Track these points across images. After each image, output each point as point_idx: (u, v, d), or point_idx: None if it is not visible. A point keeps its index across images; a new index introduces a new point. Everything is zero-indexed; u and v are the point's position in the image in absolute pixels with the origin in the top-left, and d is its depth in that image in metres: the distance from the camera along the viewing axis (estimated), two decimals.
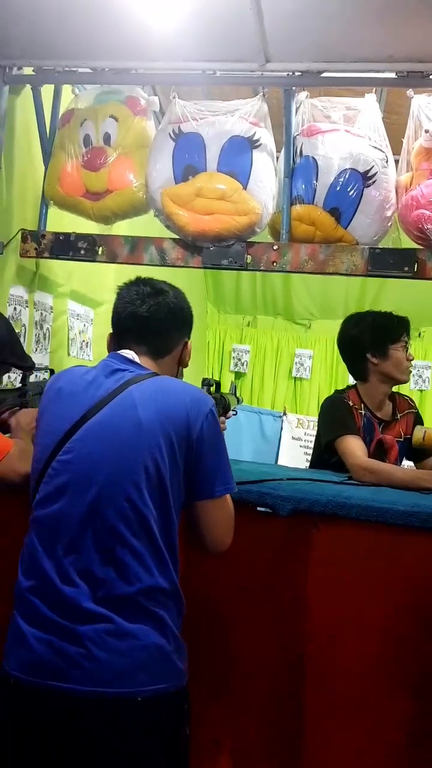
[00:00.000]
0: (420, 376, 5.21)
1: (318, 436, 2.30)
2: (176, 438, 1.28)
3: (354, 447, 2.04)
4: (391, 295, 4.81)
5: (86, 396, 1.34)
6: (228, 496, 1.40)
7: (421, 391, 5.25)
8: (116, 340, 1.47)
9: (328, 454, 2.16)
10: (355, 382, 2.32)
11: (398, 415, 2.29)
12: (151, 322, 1.43)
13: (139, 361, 1.41)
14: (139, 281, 1.48)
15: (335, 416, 2.17)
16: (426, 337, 5.30)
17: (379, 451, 2.16)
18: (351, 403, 2.19)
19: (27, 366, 1.79)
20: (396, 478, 1.94)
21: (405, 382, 2.29)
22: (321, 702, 1.69)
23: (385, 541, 1.65)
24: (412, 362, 2.24)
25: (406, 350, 2.22)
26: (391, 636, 1.65)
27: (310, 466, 2.44)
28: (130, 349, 1.43)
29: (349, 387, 2.34)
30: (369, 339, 2.19)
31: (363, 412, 2.20)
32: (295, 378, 5.53)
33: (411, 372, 2.29)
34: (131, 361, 1.41)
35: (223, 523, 1.40)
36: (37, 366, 2.57)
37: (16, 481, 1.44)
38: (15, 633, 1.27)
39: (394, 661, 1.65)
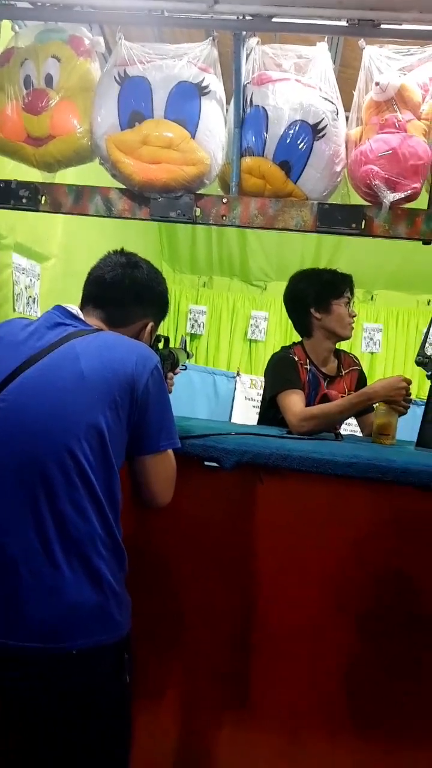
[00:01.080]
0: (371, 339, 5.29)
1: (264, 392, 2.32)
2: (119, 392, 1.27)
3: (294, 401, 2.09)
4: (346, 257, 4.85)
5: (26, 346, 1.33)
6: (170, 451, 1.42)
7: (372, 353, 5.34)
8: (81, 303, 1.48)
9: (273, 410, 2.18)
10: (300, 339, 2.35)
11: (343, 372, 2.34)
12: (111, 289, 1.45)
13: (83, 318, 1.41)
14: (119, 252, 1.52)
15: (279, 372, 2.23)
16: (378, 300, 5.37)
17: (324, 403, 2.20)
18: (296, 359, 2.23)
19: None
20: (333, 412, 2.01)
21: (348, 337, 2.35)
22: (266, 648, 1.74)
23: (325, 492, 1.69)
24: (354, 318, 2.30)
25: (349, 306, 2.27)
26: (334, 581, 1.70)
27: (258, 423, 2.46)
28: (88, 313, 1.43)
29: (294, 344, 2.38)
30: (313, 294, 2.27)
31: (308, 367, 2.25)
32: (250, 340, 5.55)
33: (353, 328, 2.34)
34: (75, 317, 1.41)
35: (165, 478, 1.42)
36: None
37: None
38: None
39: (336, 604, 1.70)
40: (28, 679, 1.22)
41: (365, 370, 2.62)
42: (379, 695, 1.70)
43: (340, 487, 1.67)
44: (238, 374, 4.94)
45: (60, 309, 1.42)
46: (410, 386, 2.04)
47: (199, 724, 1.80)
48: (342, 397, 2.27)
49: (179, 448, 1.45)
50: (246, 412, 4.63)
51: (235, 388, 4.79)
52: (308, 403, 2.22)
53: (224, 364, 5.45)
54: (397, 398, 2.00)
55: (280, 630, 1.74)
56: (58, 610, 1.21)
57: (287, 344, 2.47)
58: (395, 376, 2.07)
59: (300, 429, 2.03)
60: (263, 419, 2.37)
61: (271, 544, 1.74)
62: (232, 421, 4.60)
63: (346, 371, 2.39)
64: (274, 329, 5.47)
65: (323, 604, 1.72)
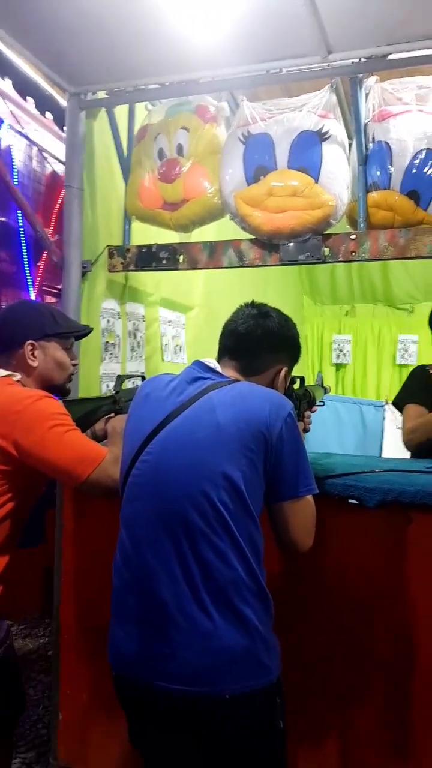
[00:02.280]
0: None
1: None
2: (254, 441, 1.31)
3: (408, 415, 2.21)
4: None
5: (169, 401, 1.41)
6: (310, 497, 1.41)
7: None
8: (217, 355, 1.54)
9: None
10: None
11: None
12: (244, 340, 1.49)
13: (220, 370, 1.46)
14: (250, 304, 1.56)
15: (407, 384, 2.34)
16: None
17: None
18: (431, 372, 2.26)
19: (76, 331, 1.74)
20: (428, 418, 2.09)
21: None
22: (424, 691, 1.67)
23: None
24: None
25: None
26: None
27: None
28: (225, 365, 1.49)
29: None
30: None
31: None
32: (399, 365, 5.37)
33: None
34: (212, 370, 1.46)
35: (305, 524, 1.41)
36: (132, 374, 2.72)
37: (112, 486, 1.51)
38: (112, 630, 1.36)
39: None
40: (182, 719, 1.27)
41: None
42: None
43: None
44: (386, 402, 4.79)
45: (198, 364, 1.50)
46: None
47: None
48: None
49: (316, 493, 1.45)
50: (397, 442, 4.42)
51: (384, 417, 4.65)
52: None
53: (373, 393, 5.32)
54: None
55: None
56: (211, 655, 1.24)
57: None
58: None
59: (408, 443, 2.17)
60: None
61: (421, 585, 1.67)
62: (384, 451, 4.45)
63: None
64: (425, 352, 5.26)
65: None
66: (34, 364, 1.60)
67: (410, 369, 5.23)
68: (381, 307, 5.51)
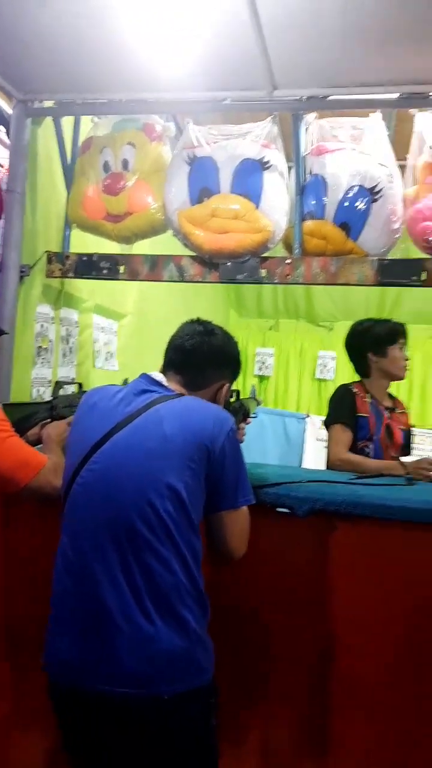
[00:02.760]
0: None
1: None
2: (198, 453, 1.38)
3: (338, 439, 2.37)
4: (413, 296, 4.88)
5: (117, 411, 1.45)
6: (245, 507, 1.49)
7: None
8: (162, 368, 1.59)
9: None
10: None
11: (397, 410, 2.58)
12: (190, 356, 1.55)
13: (167, 384, 1.52)
14: (196, 321, 1.62)
15: (337, 405, 2.48)
16: None
17: (388, 433, 2.47)
18: (356, 392, 2.46)
19: None
20: (366, 468, 2.23)
21: (402, 378, 2.59)
22: (343, 696, 1.78)
23: (399, 537, 1.74)
24: (407, 361, 2.54)
25: (402, 351, 2.50)
26: (410, 628, 1.74)
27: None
28: (170, 379, 1.55)
29: (355, 381, 2.59)
30: (371, 341, 2.48)
31: (369, 400, 2.47)
32: (318, 380, 5.60)
33: (407, 369, 2.58)
34: (159, 383, 1.52)
35: (240, 533, 1.49)
36: (62, 379, 2.72)
37: (51, 493, 1.54)
38: (50, 635, 1.38)
39: (413, 651, 1.74)
40: (120, 721, 1.31)
41: None
42: None
43: (414, 533, 1.72)
44: (307, 415, 5.00)
45: (146, 377, 1.55)
46: None
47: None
48: (401, 429, 2.54)
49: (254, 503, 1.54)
50: (317, 453, 4.66)
51: (305, 430, 4.85)
52: (372, 431, 2.45)
53: (293, 405, 5.53)
54: (421, 477, 2.16)
55: (357, 678, 1.77)
56: (152, 658, 1.29)
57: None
58: (425, 459, 2.28)
59: (333, 466, 2.30)
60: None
61: (346, 589, 1.79)
62: (304, 462, 4.64)
63: (400, 410, 2.63)
64: (343, 368, 5.52)
65: (400, 651, 1.75)
66: None
67: (328, 384, 5.54)
68: (303, 323, 5.74)
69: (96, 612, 1.32)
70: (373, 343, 2.50)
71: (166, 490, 1.35)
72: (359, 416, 2.43)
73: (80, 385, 2.14)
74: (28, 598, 1.79)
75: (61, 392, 2.00)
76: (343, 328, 2.81)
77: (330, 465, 2.35)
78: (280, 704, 1.83)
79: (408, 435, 2.59)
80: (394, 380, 2.59)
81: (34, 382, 2.63)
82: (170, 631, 1.31)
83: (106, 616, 1.31)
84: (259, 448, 4.52)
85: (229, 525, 1.46)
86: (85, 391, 1.98)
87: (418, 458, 2.30)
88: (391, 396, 2.65)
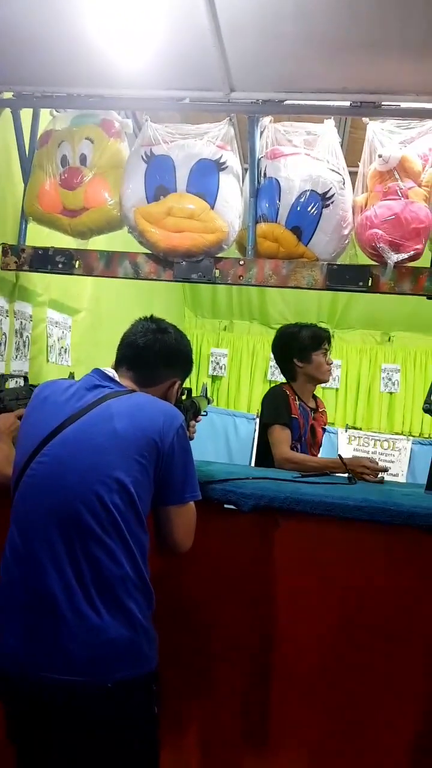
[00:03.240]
0: (389, 379, 5.41)
1: (260, 419, 2.72)
2: (147, 448, 1.41)
3: (281, 438, 2.46)
4: (364, 299, 5.02)
5: (68, 405, 1.47)
6: (192, 502, 1.53)
7: (391, 393, 5.45)
8: (114, 364, 1.61)
9: (265, 436, 2.54)
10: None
11: (319, 409, 2.75)
12: (143, 352, 1.58)
13: (118, 380, 1.54)
14: (149, 318, 1.65)
15: (275, 405, 2.57)
16: (395, 341, 5.50)
17: (312, 433, 2.66)
18: (288, 393, 2.59)
19: None
20: (309, 466, 2.35)
21: (326, 381, 2.75)
22: (284, 685, 1.84)
23: (338, 534, 1.81)
24: (330, 365, 2.68)
25: (326, 356, 2.64)
26: (346, 620, 1.81)
27: (257, 448, 2.75)
28: (122, 375, 1.57)
29: (283, 383, 2.72)
30: (296, 348, 2.62)
31: (298, 402, 2.60)
32: (270, 381, 5.68)
33: (330, 373, 2.73)
34: (111, 378, 1.54)
35: (187, 527, 1.53)
36: (15, 373, 2.71)
37: (3, 483, 1.55)
38: None
39: (350, 641, 1.81)
40: (66, 709, 1.33)
41: (386, 409, 2.83)
42: (397, 729, 1.78)
43: (352, 530, 1.79)
44: (257, 416, 5.08)
45: (98, 372, 1.57)
46: (376, 465, 2.31)
47: (220, 757, 1.89)
48: (323, 429, 2.76)
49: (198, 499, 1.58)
50: None
51: (255, 429, 4.93)
52: (301, 432, 2.58)
53: (245, 406, 5.60)
54: (363, 475, 2.26)
55: (297, 667, 1.84)
56: (97, 646, 1.32)
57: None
58: (365, 458, 2.42)
59: (280, 466, 2.38)
60: (260, 446, 2.65)
61: (287, 583, 1.85)
62: (253, 461, 4.72)
63: (321, 410, 2.77)
64: None
65: (336, 641, 1.82)
66: None
67: None
68: (256, 324, 5.83)
69: (43, 602, 1.34)
70: (297, 350, 2.62)
71: (115, 483, 1.38)
72: (292, 417, 2.56)
73: (26, 379, 2.14)
74: None
75: (9, 385, 2.00)
76: None
77: (276, 464, 2.42)
78: (221, 695, 1.88)
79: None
80: (319, 383, 2.72)
81: None
82: (116, 622, 1.34)
83: (53, 606, 1.33)
84: (210, 446, 4.57)
85: (176, 519, 1.50)
86: (31, 385, 1.99)
87: (357, 456, 2.40)
88: (314, 396, 2.79)
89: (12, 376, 2.18)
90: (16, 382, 2.12)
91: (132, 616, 1.37)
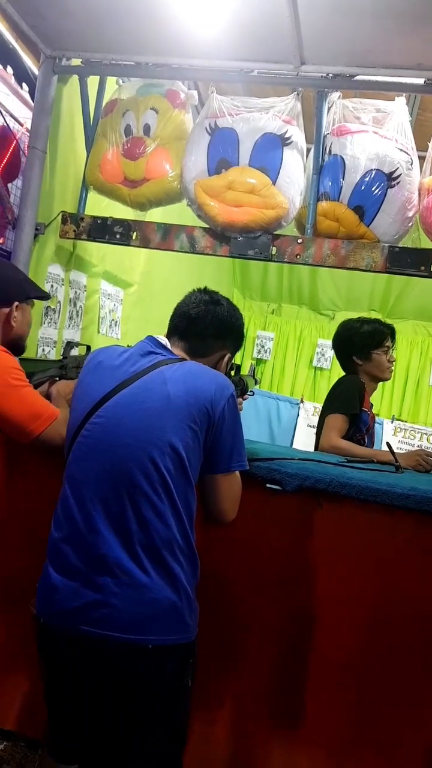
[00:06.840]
0: None
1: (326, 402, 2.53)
2: (199, 416, 1.41)
3: (336, 425, 2.36)
4: (418, 290, 4.90)
5: (122, 370, 1.49)
6: (238, 472, 1.53)
7: None
8: (167, 333, 1.61)
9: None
10: None
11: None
12: (195, 324, 1.57)
13: (170, 348, 1.55)
14: (202, 290, 1.64)
15: (347, 392, 2.44)
16: None
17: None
18: (363, 385, 2.46)
19: (46, 296, 1.88)
20: (357, 453, 2.25)
21: (387, 379, 2.65)
22: (316, 669, 1.83)
23: (382, 521, 1.78)
24: (393, 362, 2.55)
25: (388, 354, 2.51)
26: (384, 610, 1.78)
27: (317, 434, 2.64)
28: (174, 344, 1.57)
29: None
30: (357, 345, 2.49)
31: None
32: (315, 367, 5.63)
33: (392, 371, 2.60)
34: (164, 347, 1.55)
35: (233, 497, 1.54)
36: (72, 341, 2.74)
37: (60, 445, 1.57)
38: (45, 580, 1.41)
39: (386, 630, 1.78)
40: (103, 663, 1.35)
41: None
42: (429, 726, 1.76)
43: (397, 518, 1.76)
44: (302, 401, 5.04)
45: (151, 339, 1.58)
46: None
47: (250, 736, 1.90)
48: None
49: (246, 470, 1.58)
50: (307, 439, 4.71)
51: (298, 415, 4.89)
52: (371, 424, 2.48)
53: (288, 390, 5.56)
54: (416, 467, 2.18)
55: (330, 653, 1.82)
56: (142, 605, 1.33)
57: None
58: (418, 450, 2.30)
59: (324, 451, 2.30)
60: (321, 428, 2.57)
61: (326, 567, 1.83)
62: (294, 446, 4.69)
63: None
64: None
65: (372, 629, 1.79)
66: (15, 323, 1.65)
67: (324, 372, 5.56)
68: (305, 310, 5.75)
69: (91, 558, 1.36)
70: (357, 347, 2.52)
71: (168, 447, 1.38)
72: (363, 411, 2.46)
73: (88, 348, 2.16)
74: (24, 546, 1.82)
75: (73, 353, 2.03)
76: (344, 318, 2.83)
77: (320, 450, 2.37)
78: (253, 673, 1.88)
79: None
80: (379, 381, 2.61)
81: (40, 341, 2.65)
82: (162, 583, 1.35)
83: (101, 563, 1.35)
84: (254, 428, 4.56)
85: (223, 488, 1.50)
86: None
87: (415, 448, 2.33)
88: None
89: (77, 344, 2.20)
90: (78, 350, 2.15)
91: (177, 580, 1.38)
